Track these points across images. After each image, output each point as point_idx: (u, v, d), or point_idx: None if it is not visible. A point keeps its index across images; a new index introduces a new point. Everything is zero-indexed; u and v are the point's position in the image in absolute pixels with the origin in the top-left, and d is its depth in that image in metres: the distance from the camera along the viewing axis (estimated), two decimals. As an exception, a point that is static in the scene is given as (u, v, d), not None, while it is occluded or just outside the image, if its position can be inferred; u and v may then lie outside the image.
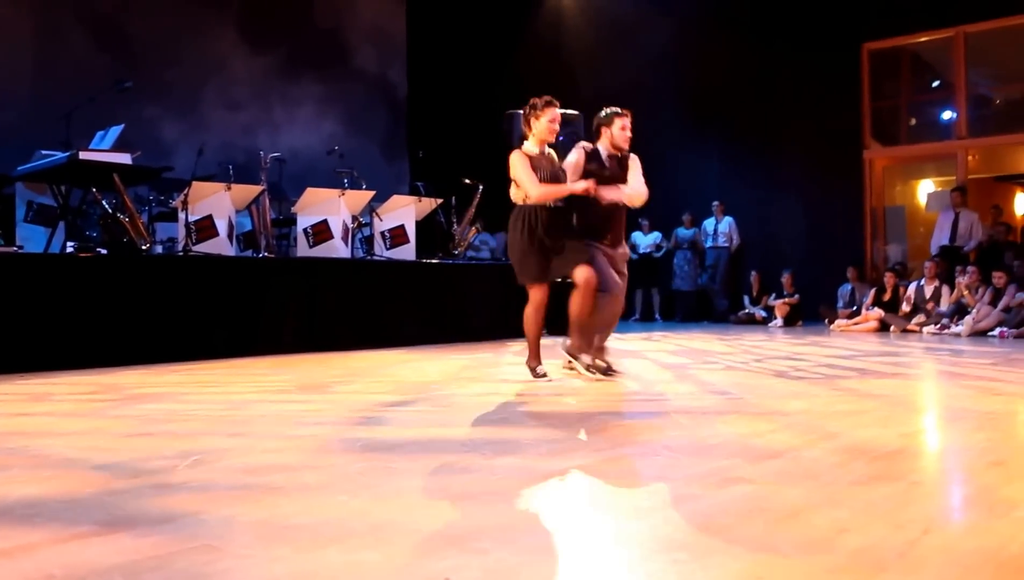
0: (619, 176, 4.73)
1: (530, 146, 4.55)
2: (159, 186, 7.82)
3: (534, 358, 4.67)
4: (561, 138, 8.78)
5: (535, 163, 4.47)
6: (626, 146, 4.78)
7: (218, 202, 6.78)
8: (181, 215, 6.56)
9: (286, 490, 2.22)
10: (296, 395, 4.26)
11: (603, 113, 4.79)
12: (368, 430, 3.16)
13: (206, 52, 10.98)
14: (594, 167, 4.67)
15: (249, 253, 7.41)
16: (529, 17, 13.49)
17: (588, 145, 4.76)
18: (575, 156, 4.71)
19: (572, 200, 4.53)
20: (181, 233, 6.57)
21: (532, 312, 4.59)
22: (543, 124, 4.51)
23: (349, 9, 12.73)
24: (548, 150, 4.61)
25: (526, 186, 4.42)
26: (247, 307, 6.38)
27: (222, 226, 6.77)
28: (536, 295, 4.56)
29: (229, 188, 6.86)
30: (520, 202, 4.49)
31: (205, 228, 6.68)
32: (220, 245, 6.72)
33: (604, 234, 4.70)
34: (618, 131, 4.72)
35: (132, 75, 7.87)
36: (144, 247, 6.17)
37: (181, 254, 6.45)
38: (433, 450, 2.75)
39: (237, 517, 1.96)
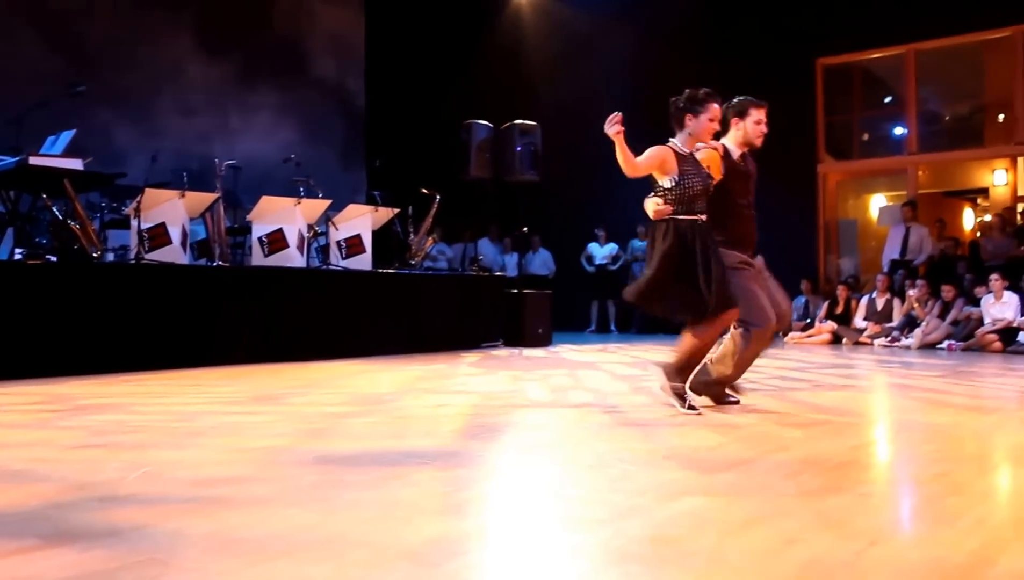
0: (754, 176, 4.17)
1: (679, 144, 3.85)
2: (111, 193, 7.68)
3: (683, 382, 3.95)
4: (519, 148, 8.90)
5: (682, 165, 3.78)
6: (759, 143, 4.11)
7: (172, 209, 6.67)
8: (133, 222, 6.44)
9: (236, 503, 2.19)
10: (249, 406, 4.21)
11: (734, 101, 4.11)
12: (321, 442, 3.13)
13: (161, 57, 10.83)
14: (732, 166, 4.03)
15: (203, 262, 7.30)
16: (488, 28, 13.56)
17: (718, 144, 4.05)
18: (707, 154, 3.95)
19: (718, 207, 3.89)
20: (133, 241, 6.46)
21: (704, 345, 3.86)
22: (703, 122, 3.82)
23: (308, 17, 12.67)
24: (698, 153, 3.93)
25: (630, 164, 3.68)
26: (200, 317, 6.28)
27: (175, 234, 6.66)
28: (713, 330, 3.80)
29: (183, 195, 6.75)
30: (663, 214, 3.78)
31: (158, 236, 6.57)
32: (173, 253, 6.61)
33: (751, 245, 4.12)
34: (752, 125, 4.07)
35: (85, 79, 7.72)
36: (95, 254, 6.04)
37: (133, 262, 6.33)
38: (386, 462, 2.74)
39: (185, 530, 1.93)
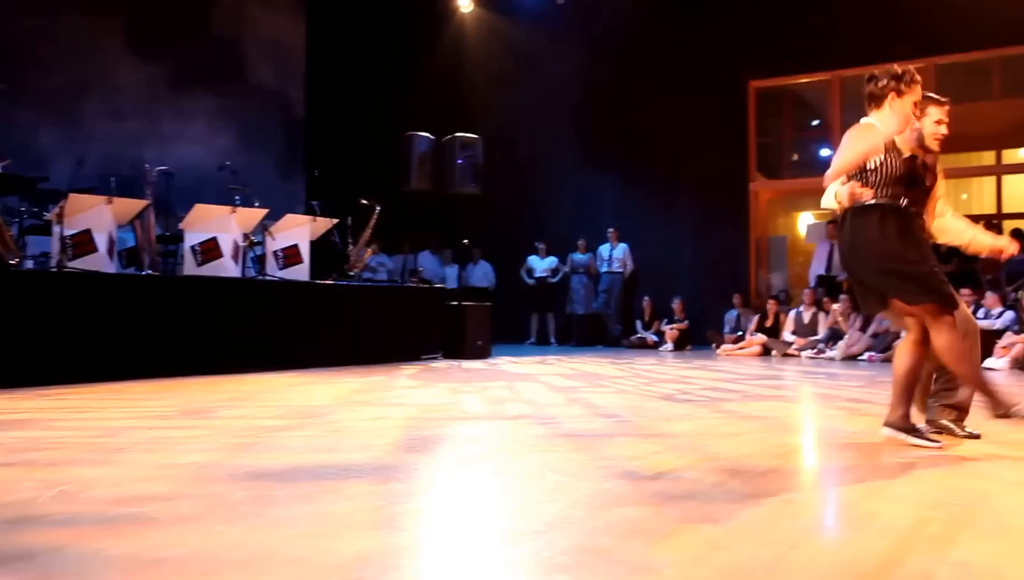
0: (927, 185, 3.55)
1: (878, 123, 3.40)
2: (32, 197, 7.38)
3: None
4: (460, 161, 8.91)
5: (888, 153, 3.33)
6: (937, 148, 3.56)
7: (98, 216, 6.45)
8: (56, 229, 6.20)
9: (159, 521, 2.12)
10: (177, 420, 4.09)
11: None
12: (251, 456, 3.06)
13: (89, 58, 10.50)
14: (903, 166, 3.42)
15: (131, 270, 7.10)
16: (430, 41, 13.54)
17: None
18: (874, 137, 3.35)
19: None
20: (55, 248, 6.22)
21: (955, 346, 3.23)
22: (906, 104, 3.36)
23: (247, 22, 12.46)
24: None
25: (841, 163, 3.29)
26: (127, 327, 6.08)
27: (101, 241, 6.45)
28: (950, 320, 3.22)
29: (110, 201, 6.54)
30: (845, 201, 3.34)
31: (83, 243, 6.34)
32: (99, 261, 6.39)
33: None
34: (931, 125, 3.52)
35: (5, 78, 7.43)
36: (13, 262, 5.81)
37: (55, 270, 6.11)
38: (319, 477, 2.69)
39: (103, 551, 1.86)
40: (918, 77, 3.39)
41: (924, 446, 3.26)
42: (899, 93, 3.36)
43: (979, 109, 11.26)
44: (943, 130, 3.55)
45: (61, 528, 2.06)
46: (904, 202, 3.32)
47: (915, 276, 3.21)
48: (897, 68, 3.39)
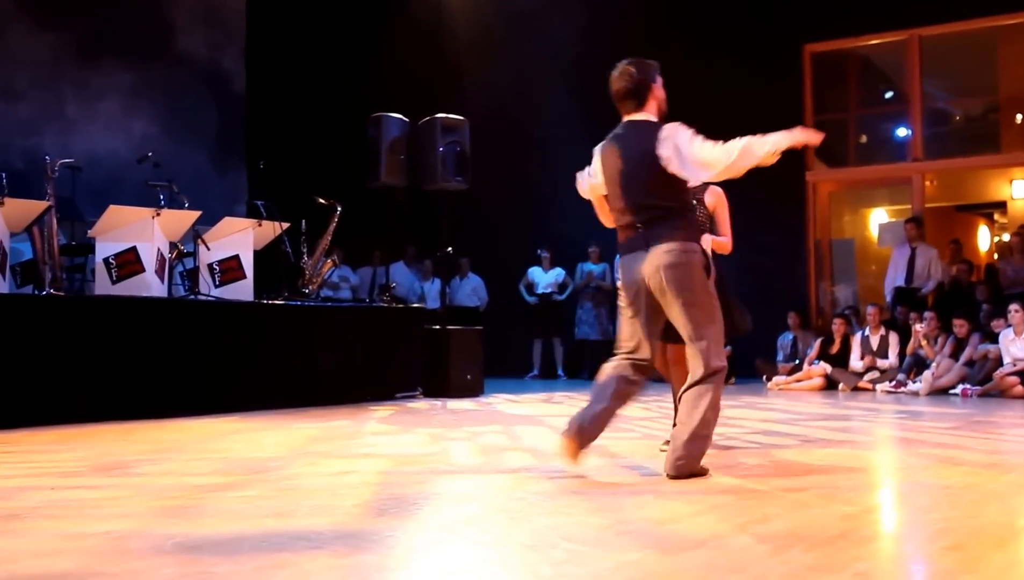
0: None
1: None
2: None
3: None
4: (441, 149, 8.95)
5: None
6: None
7: (-15, 223, 6.50)
8: (-68, 239, 6.25)
9: (67, 605, 2.12)
10: (88, 478, 4.10)
11: None
12: (183, 523, 3.07)
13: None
14: None
15: (28, 290, 7.11)
16: (403, 1, 13.59)
17: None
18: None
19: None
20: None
21: None
22: None
23: (172, -21, 12.55)
24: None
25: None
26: (24, 362, 6.10)
27: (-9, 254, 6.49)
28: None
29: (1, 204, 6.59)
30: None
31: (-35, 257, 6.39)
32: (-12, 279, 6.43)
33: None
34: None
35: None
36: None
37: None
38: (268, 548, 2.69)
39: (-3, 643, 1.86)
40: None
41: None
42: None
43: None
44: None
45: (-56, 616, 2.06)
46: None
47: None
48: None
